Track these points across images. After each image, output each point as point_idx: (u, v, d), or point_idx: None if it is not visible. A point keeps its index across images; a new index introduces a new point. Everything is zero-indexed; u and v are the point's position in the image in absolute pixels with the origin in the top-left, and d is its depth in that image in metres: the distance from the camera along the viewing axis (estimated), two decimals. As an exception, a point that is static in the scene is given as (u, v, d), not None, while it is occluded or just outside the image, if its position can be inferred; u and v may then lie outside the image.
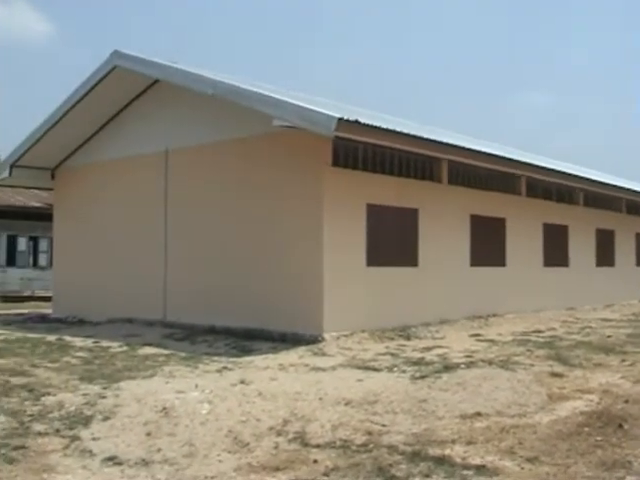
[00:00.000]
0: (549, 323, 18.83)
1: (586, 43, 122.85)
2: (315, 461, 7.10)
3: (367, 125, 14.21)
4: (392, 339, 15.28)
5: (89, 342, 15.57)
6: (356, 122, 13.80)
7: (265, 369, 11.85)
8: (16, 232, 35.47)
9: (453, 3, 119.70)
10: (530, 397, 9.74)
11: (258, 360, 12.87)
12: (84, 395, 9.65)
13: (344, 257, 15.74)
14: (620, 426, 8.22)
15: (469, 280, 19.28)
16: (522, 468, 6.89)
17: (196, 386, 10.07)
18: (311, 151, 15.53)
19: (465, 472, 6.72)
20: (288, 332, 15.24)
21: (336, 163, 15.87)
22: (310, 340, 14.68)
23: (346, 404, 9.28)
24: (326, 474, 6.75)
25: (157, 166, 18.89)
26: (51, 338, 16.20)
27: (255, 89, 15.74)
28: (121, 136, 20.33)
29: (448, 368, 11.47)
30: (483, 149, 18.98)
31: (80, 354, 13.88)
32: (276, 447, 7.61)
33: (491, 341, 15.10)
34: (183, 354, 13.64)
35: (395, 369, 11.66)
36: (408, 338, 15.52)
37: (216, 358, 13.08)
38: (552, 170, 22.14)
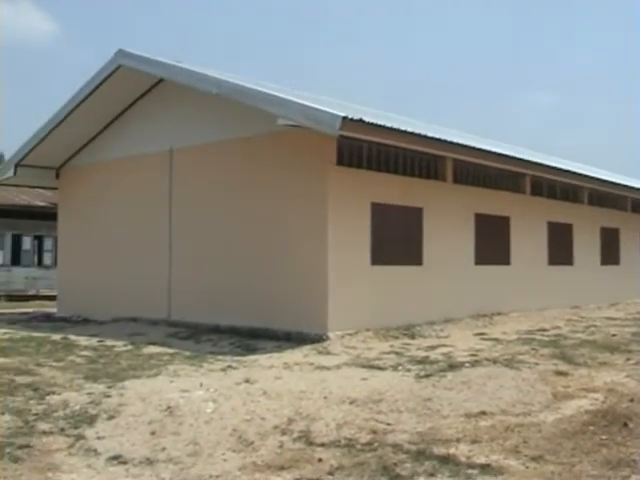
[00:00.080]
0: (554, 322, 18.80)
1: (590, 43, 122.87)
2: (320, 460, 7.11)
3: (371, 124, 14.20)
4: (397, 338, 15.27)
5: (94, 341, 15.58)
6: (360, 121, 13.79)
7: (270, 368, 11.84)
8: (21, 231, 35.54)
9: (458, 3, 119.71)
10: (535, 396, 9.73)
11: (263, 359, 12.87)
12: (89, 394, 9.65)
13: (349, 256, 15.73)
14: (625, 425, 8.21)
15: (473, 279, 19.26)
16: (527, 467, 6.88)
17: (201, 385, 10.07)
18: (316, 150, 15.52)
19: (470, 471, 6.72)
20: (293, 331, 15.23)
21: (341, 162, 15.86)
22: (315, 339, 14.67)
23: (351, 403, 9.27)
24: (331, 473, 6.75)
25: (161, 165, 18.89)
26: (56, 337, 16.21)
27: (260, 88, 15.74)
28: (125, 135, 20.34)
29: (453, 367, 11.45)
30: (488, 148, 18.96)
31: (85, 353, 13.89)
32: (281, 446, 7.61)
33: (496, 340, 15.08)
34: (188, 353, 13.65)
35: (400, 368, 11.65)
36: (413, 337, 15.50)
37: (221, 357, 13.07)
38: (557, 169, 22.11)
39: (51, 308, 23.52)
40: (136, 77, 18.77)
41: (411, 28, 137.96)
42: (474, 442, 7.64)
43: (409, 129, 15.62)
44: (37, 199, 35.07)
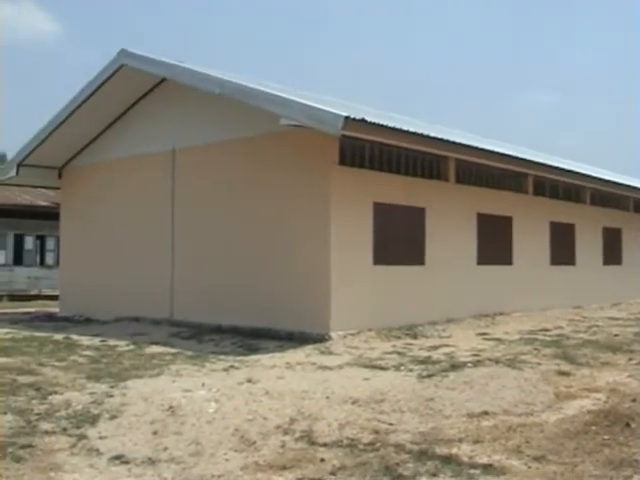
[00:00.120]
0: (556, 322, 18.79)
1: (590, 43, 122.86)
2: (322, 460, 7.10)
3: (374, 124, 14.20)
4: (399, 338, 15.27)
5: (96, 341, 15.59)
6: (363, 121, 13.78)
7: (272, 368, 11.84)
8: (23, 231, 35.56)
9: (458, 3, 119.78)
10: (537, 396, 9.73)
11: (265, 359, 12.87)
12: (91, 394, 9.66)
13: (351, 256, 15.73)
14: (627, 425, 8.20)
15: (476, 279, 19.25)
16: (529, 467, 6.88)
17: (203, 385, 10.07)
18: (318, 150, 15.52)
19: (472, 471, 6.72)
20: (295, 331, 15.23)
21: (343, 162, 15.86)
22: (317, 339, 14.67)
23: (353, 403, 9.27)
24: (333, 473, 6.75)
25: (164, 165, 18.90)
26: (58, 337, 16.23)
27: (262, 88, 15.74)
28: (128, 135, 20.35)
29: (455, 367, 11.45)
30: (491, 148, 18.96)
31: (87, 353, 13.90)
32: (283, 446, 7.61)
33: (498, 340, 15.07)
34: (190, 353, 13.65)
35: (402, 368, 11.65)
36: (415, 337, 15.50)
37: (223, 357, 13.08)
38: (559, 169, 22.10)
39: (53, 308, 23.53)
40: (138, 77, 18.78)
41: (411, 28, 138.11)
42: (476, 442, 7.64)
43: (411, 129, 15.62)
44: (39, 199, 35.09)
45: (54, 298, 25.81)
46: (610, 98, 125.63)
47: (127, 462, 7.18)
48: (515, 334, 16.05)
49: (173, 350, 14.06)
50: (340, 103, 19.03)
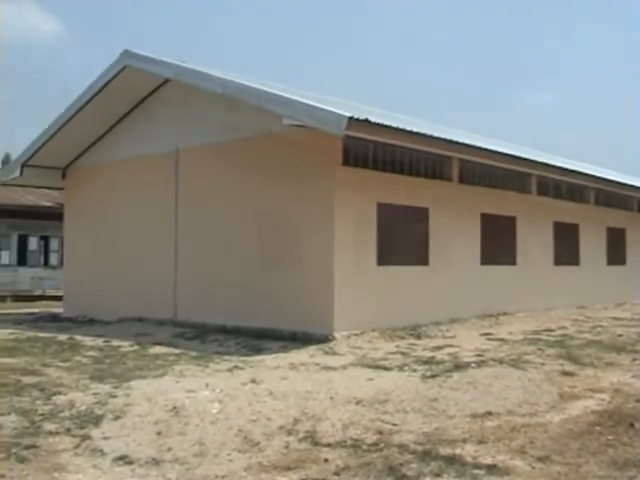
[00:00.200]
0: (560, 322, 18.77)
1: (590, 43, 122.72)
2: (326, 460, 7.10)
3: (377, 124, 14.18)
4: (403, 338, 15.26)
5: (100, 341, 15.60)
6: (366, 121, 13.77)
7: (276, 368, 11.84)
8: (27, 231, 35.62)
9: (458, 3, 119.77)
10: (541, 396, 9.72)
11: (269, 359, 12.87)
12: (95, 394, 9.66)
13: (355, 256, 15.72)
14: (631, 425, 8.20)
15: (479, 279, 19.24)
16: (533, 467, 6.88)
17: (207, 385, 10.07)
18: (321, 150, 15.51)
19: (476, 471, 6.71)
20: (299, 331, 15.23)
21: (346, 162, 15.85)
22: (321, 339, 14.67)
23: (357, 403, 9.27)
24: (337, 473, 6.75)
25: (167, 165, 18.90)
26: (62, 337, 16.24)
27: (265, 88, 15.74)
28: (131, 136, 20.36)
29: (459, 367, 11.44)
30: (494, 148, 18.94)
31: (91, 353, 13.90)
32: (287, 446, 7.61)
33: (502, 340, 15.05)
34: (193, 353, 13.65)
35: (406, 368, 11.64)
36: (419, 337, 15.49)
37: (227, 357, 13.08)
38: (563, 169, 22.08)
39: (57, 308, 23.56)
40: (142, 77, 18.78)
41: (411, 28, 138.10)
42: (480, 442, 7.63)
43: (415, 129, 15.60)
44: (43, 199, 35.14)
45: (58, 299, 25.82)
46: (610, 98, 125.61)
47: (131, 462, 7.18)
48: (519, 334, 16.03)
49: (177, 350, 14.07)
50: (343, 103, 19.03)
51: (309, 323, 15.20)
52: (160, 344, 15.00)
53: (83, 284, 21.48)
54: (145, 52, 18.48)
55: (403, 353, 13.30)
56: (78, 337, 16.26)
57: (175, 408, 8.84)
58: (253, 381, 10.45)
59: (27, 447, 7.45)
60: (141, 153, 19.78)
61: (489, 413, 8.85)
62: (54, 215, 29.63)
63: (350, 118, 13.38)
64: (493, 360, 12.08)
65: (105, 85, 19.07)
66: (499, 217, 20.30)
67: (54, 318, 21.48)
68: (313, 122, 14.14)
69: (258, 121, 16.26)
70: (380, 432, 8.06)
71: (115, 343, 15.22)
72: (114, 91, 19.22)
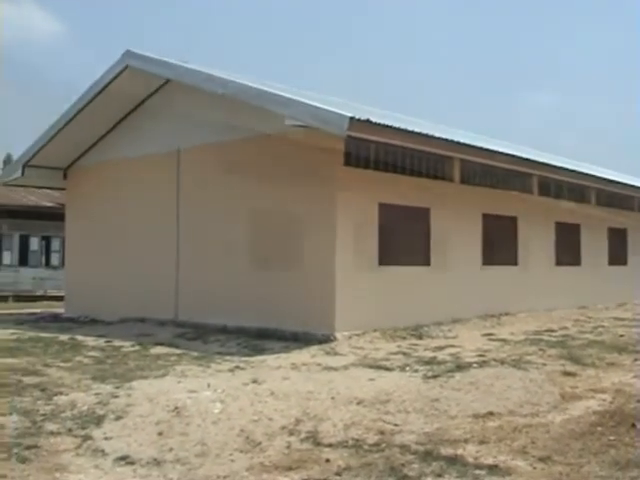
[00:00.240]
0: (561, 322, 18.76)
1: (591, 43, 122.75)
2: (327, 460, 7.10)
3: (379, 124, 14.19)
4: (404, 338, 15.26)
5: (101, 341, 15.60)
6: (368, 121, 13.78)
7: (277, 368, 11.84)
8: (28, 232, 35.64)
9: (458, 3, 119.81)
10: (543, 396, 9.72)
11: (270, 359, 12.87)
12: (96, 395, 9.66)
13: (356, 256, 15.72)
14: (633, 425, 8.19)
15: (481, 279, 19.24)
16: (535, 468, 6.87)
17: (208, 385, 10.07)
18: (323, 150, 15.47)
19: (477, 472, 6.71)
20: (300, 331, 15.23)
21: (348, 162, 15.84)
22: (322, 339, 14.66)
23: (358, 403, 9.27)
24: (338, 473, 6.75)
25: (169, 166, 18.91)
26: (63, 337, 16.24)
27: (266, 88, 15.74)
28: (133, 136, 20.36)
29: (460, 367, 11.44)
30: (496, 148, 18.94)
31: (92, 354, 13.91)
32: (288, 446, 7.61)
33: (503, 340, 15.05)
34: (195, 353, 13.65)
35: (407, 368, 11.64)
36: (420, 337, 15.49)
37: (228, 357, 13.08)
38: (564, 169, 22.07)
39: (59, 308, 23.55)
40: (143, 77, 18.78)
41: (411, 28, 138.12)
42: (482, 443, 7.63)
43: (417, 129, 15.61)
44: (44, 200, 35.15)
45: (59, 299, 25.83)
46: (610, 98, 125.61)
47: (132, 463, 7.18)
48: (520, 335, 16.03)
49: (178, 351, 14.06)
50: (344, 103, 19.02)
51: (310, 323, 15.20)
52: (161, 344, 15.00)
53: (84, 284, 21.47)
54: (146, 52, 18.49)
55: (405, 353, 13.30)
56: (79, 337, 16.26)
57: (177, 408, 8.83)
58: (255, 381, 10.44)
59: (28, 447, 7.45)
60: (142, 153, 19.77)
61: (491, 413, 8.85)
62: (55, 215, 29.63)
63: (352, 118, 13.38)
64: (495, 360, 12.08)
65: (107, 85, 19.08)
66: (500, 217, 20.30)
67: (55, 318, 21.48)
68: (315, 122, 14.14)
69: (259, 121, 16.23)
70: (382, 432, 8.06)
71: (117, 343, 15.22)
72: (115, 91, 19.21)
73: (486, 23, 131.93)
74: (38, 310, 24.69)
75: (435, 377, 10.73)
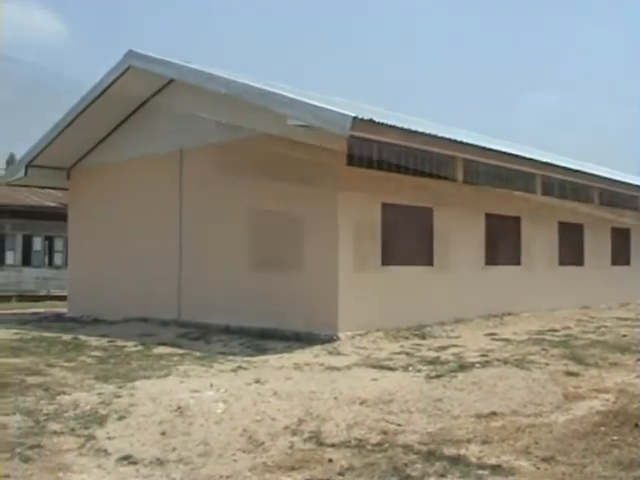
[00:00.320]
0: (564, 322, 18.73)
1: (590, 43, 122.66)
2: (330, 460, 7.10)
3: (382, 124, 14.19)
4: (407, 338, 15.24)
5: (104, 341, 15.62)
6: (371, 121, 13.78)
7: (280, 368, 11.84)
8: (31, 232, 35.66)
9: (458, 3, 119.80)
10: (546, 396, 9.71)
11: (273, 359, 12.87)
12: (99, 394, 9.66)
13: (359, 256, 15.71)
14: (636, 425, 8.17)
15: (484, 279, 19.22)
16: (538, 468, 6.86)
17: (211, 385, 10.07)
18: (325, 150, 15.47)
19: (480, 472, 6.70)
20: (303, 331, 15.23)
21: (351, 162, 15.83)
22: (325, 339, 14.66)
23: (361, 403, 9.26)
24: (341, 473, 6.75)
25: (171, 166, 18.91)
26: (66, 337, 16.26)
27: (269, 88, 15.75)
28: (136, 136, 20.36)
29: (463, 367, 11.43)
30: (499, 148, 18.93)
31: (95, 353, 13.92)
32: (291, 446, 7.61)
33: (506, 340, 15.04)
34: (198, 353, 13.66)
35: (410, 368, 11.64)
36: (423, 337, 15.48)
37: (231, 357, 13.09)
38: (568, 169, 22.06)
39: (62, 308, 23.57)
40: (146, 78, 18.78)
41: (411, 28, 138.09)
42: (485, 443, 7.62)
43: (419, 129, 15.61)
44: (47, 200, 35.16)
45: (62, 299, 25.84)
46: (610, 98, 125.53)
47: (135, 462, 7.18)
48: (523, 334, 16.01)
49: (181, 351, 14.07)
50: (347, 103, 19.01)
51: (313, 323, 15.21)
52: (164, 344, 15.01)
53: (87, 284, 21.49)
54: (147, 52, 18.48)
55: (407, 353, 13.29)
56: (82, 337, 16.29)
57: (179, 408, 8.84)
58: (257, 381, 10.44)
59: (31, 447, 7.45)
60: (145, 153, 19.78)
61: (494, 413, 8.84)
62: (58, 215, 29.63)
63: (355, 118, 13.39)
64: (498, 360, 12.07)
65: (109, 86, 19.08)
66: (503, 217, 20.28)
67: (58, 318, 21.51)
68: (318, 122, 14.14)
69: (262, 121, 16.23)
70: (384, 432, 8.05)
71: (119, 343, 15.24)
72: (118, 92, 19.20)
73: (486, 23, 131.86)
74: (41, 310, 24.74)
75: (438, 377, 10.73)
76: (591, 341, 15.05)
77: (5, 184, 24.85)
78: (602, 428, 8.16)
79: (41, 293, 33.76)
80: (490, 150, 17.92)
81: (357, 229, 15.71)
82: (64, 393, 9.81)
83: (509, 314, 19.23)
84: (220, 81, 16.56)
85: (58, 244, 36.35)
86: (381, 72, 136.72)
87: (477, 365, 11.63)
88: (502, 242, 20.17)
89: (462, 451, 7.31)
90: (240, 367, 11.94)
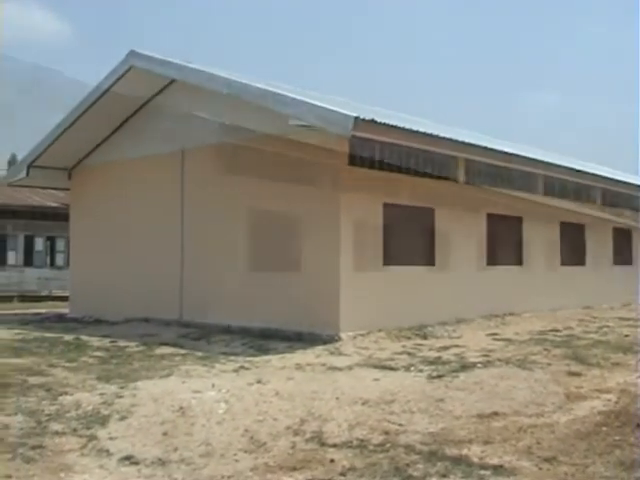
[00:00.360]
0: (566, 322, 18.72)
1: (590, 43, 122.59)
2: (332, 461, 7.10)
3: (384, 124, 14.19)
4: (409, 338, 15.24)
5: (106, 342, 15.61)
6: (373, 121, 13.78)
7: (282, 369, 11.84)
8: (33, 232, 35.67)
9: (458, 3, 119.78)
10: (548, 396, 9.71)
11: (275, 360, 12.87)
12: (101, 395, 9.67)
13: (360, 256, 15.71)
14: (638, 426, 8.17)
15: (486, 279, 19.21)
16: (540, 468, 6.86)
17: (213, 386, 10.07)
18: (327, 150, 15.47)
19: (482, 472, 6.70)
20: (305, 331, 15.23)
21: (352, 162, 15.82)
22: (327, 339, 14.66)
23: (363, 403, 9.26)
24: (343, 474, 6.75)
25: (173, 166, 18.90)
26: (68, 338, 16.26)
27: (271, 88, 15.74)
28: (137, 136, 20.35)
29: (465, 367, 11.44)
30: (501, 148, 18.92)
31: (97, 354, 13.92)
32: (293, 447, 7.61)
33: (508, 340, 15.03)
34: (199, 354, 13.66)
35: (412, 368, 11.63)
36: (425, 337, 15.47)
37: (233, 358, 13.08)
38: (570, 169, 22.05)
39: (63, 309, 23.57)
40: (148, 78, 18.77)
41: (412, 28, 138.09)
42: (487, 443, 7.62)
43: (421, 129, 15.61)
44: (49, 200, 35.18)
45: (64, 299, 25.85)
46: (610, 98, 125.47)
47: (137, 463, 7.18)
48: (525, 334, 16.01)
49: (183, 351, 14.07)
50: (349, 103, 19.00)
51: (315, 323, 15.20)
52: (166, 344, 15.01)
53: (89, 284, 21.49)
54: (149, 52, 18.49)
55: (409, 353, 13.29)
56: (84, 337, 16.29)
57: (181, 408, 8.84)
58: (259, 381, 10.45)
59: (33, 447, 7.46)
60: (147, 153, 19.75)
61: (495, 413, 8.84)
62: (60, 216, 29.66)
63: (356, 118, 13.39)
64: (499, 360, 12.07)
65: (111, 86, 19.06)
66: (505, 217, 20.28)
67: (60, 318, 21.52)
68: (319, 122, 14.14)
69: (263, 121, 16.23)
70: (386, 432, 8.05)
71: (121, 343, 15.24)
72: (120, 92, 19.19)
73: (486, 23, 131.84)
74: (43, 310, 24.74)
75: (440, 377, 10.73)
76: (593, 341, 15.04)
77: (7, 184, 24.84)
78: (604, 428, 8.16)
79: (43, 293, 33.78)
80: (492, 150, 17.92)
81: (358, 229, 15.70)
82: (66, 393, 9.81)
83: (511, 314, 19.22)
84: (221, 81, 16.56)
85: (60, 244, 36.35)
86: (381, 72, 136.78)
87: (479, 365, 11.63)
88: (503, 242, 20.17)
89: (464, 451, 7.31)
90: (242, 367, 11.94)
